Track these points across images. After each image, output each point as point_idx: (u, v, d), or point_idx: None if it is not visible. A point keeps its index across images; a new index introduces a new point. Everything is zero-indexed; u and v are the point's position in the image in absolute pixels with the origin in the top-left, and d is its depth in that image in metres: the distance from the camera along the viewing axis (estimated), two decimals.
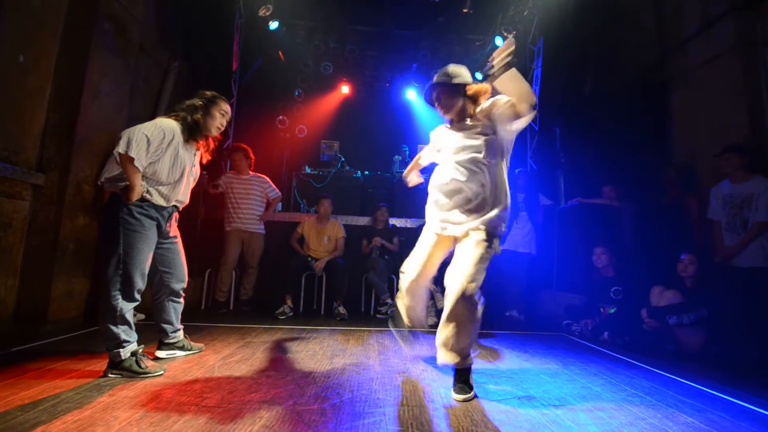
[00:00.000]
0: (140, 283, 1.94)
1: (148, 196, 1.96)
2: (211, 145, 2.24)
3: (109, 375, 1.85)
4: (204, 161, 2.28)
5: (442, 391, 1.84)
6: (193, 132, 2.09)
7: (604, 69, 4.95)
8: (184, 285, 2.27)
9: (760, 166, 3.03)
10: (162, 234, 2.09)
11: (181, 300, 2.29)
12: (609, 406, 1.76)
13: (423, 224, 4.49)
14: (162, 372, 1.93)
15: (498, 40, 5.25)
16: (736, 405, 1.87)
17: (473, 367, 1.89)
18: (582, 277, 3.89)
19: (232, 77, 4.97)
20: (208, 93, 2.16)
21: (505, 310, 4.17)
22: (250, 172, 4.06)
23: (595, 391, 1.96)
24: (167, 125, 1.99)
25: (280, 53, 5.85)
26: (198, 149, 2.20)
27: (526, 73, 5.27)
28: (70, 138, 2.92)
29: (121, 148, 1.82)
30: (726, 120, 3.43)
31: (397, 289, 4.23)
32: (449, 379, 2.02)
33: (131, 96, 3.55)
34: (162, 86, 4.15)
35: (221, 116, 2.16)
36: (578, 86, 5.19)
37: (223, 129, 2.22)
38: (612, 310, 3.31)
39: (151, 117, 2.07)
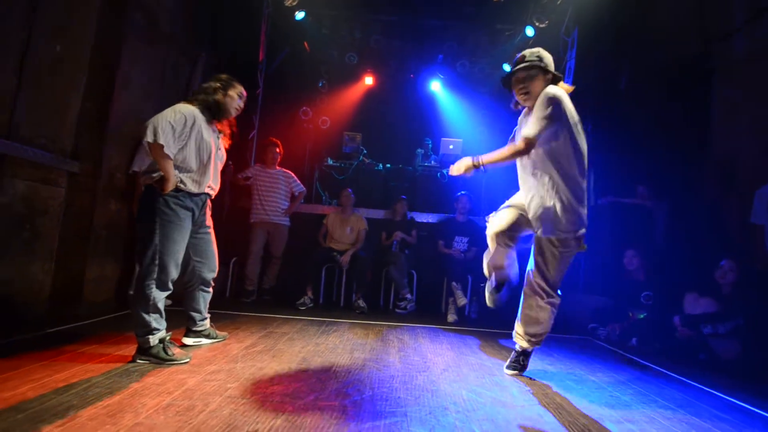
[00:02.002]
0: (174, 273, 1.98)
1: (182, 186, 1.99)
2: (228, 130, 2.27)
3: (138, 360, 1.91)
4: (226, 146, 2.30)
5: (464, 393, 1.81)
6: (214, 113, 2.12)
7: (641, 61, 4.70)
8: (215, 274, 2.31)
9: None
10: (196, 223, 2.13)
11: (210, 289, 2.33)
12: (639, 419, 1.69)
13: (446, 218, 4.40)
14: (188, 360, 1.97)
15: (529, 30, 5.06)
16: (733, 401, 1.76)
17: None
18: (610, 280, 3.75)
19: (258, 68, 4.99)
20: (223, 76, 2.19)
21: None
22: (277, 167, 4.10)
23: (624, 401, 1.88)
24: (186, 109, 2.00)
25: (306, 44, 5.82)
26: (221, 131, 2.22)
27: (558, 64, 5.07)
28: (102, 127, 2.99)
29: (149, 138, 1.84)
30: None
31: (417, 285, 4.21)
32: (470, 381, 1.99)
33: (161, 86, 3.61)
34: (190, 76, 4.20)
35: (239, 97, 2.20)
36: (613, 79, 4.95)
37: (240, 111, 2.25)
38: (641, 316, 3.18)
39: None
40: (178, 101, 2.14)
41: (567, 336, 3.33)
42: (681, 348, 2.83)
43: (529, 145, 1.87)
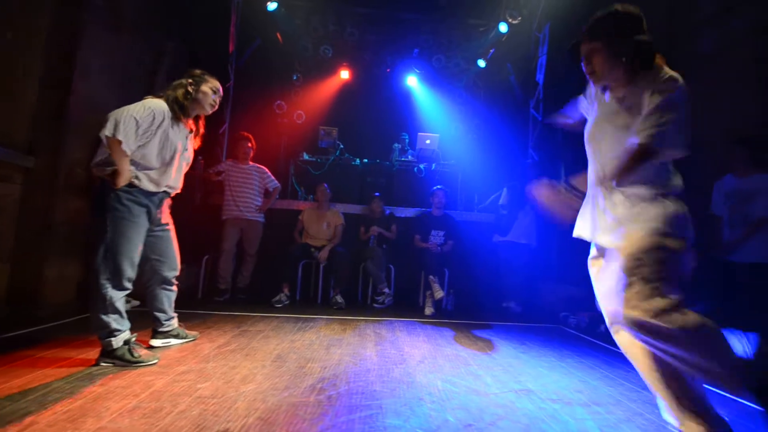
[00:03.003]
0: (129, 272, 1.89)
1: (136, 182, 1.91)
2: (201, 130, 2.21)
3: (102, 364, 1.83)
4: (195, 147, 2.23)
5: (439, 383, 1.83)
6: (185, 110, 2.05)
7: None
8: (177, 273, 2.23)
9: (766, 162, 2.98)
10: (153, 221, 2.04)
11: (174, 288, 2.25)
12: (606, 401, 1.76)
13: (421, 213, 4.43)
14: (155, 361, 1.90)
15: (502, 26, 5.12)
16: (733, 401, 1.87)
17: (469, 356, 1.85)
18: (582, 269, 3.87)
19: (228, 60, 4.85)
20: (197, 71, 2.13)
21: (502, 302, 4.17)
22: (250, 162, 4.01)
23: (592, 385, 1.95)
24: (157, 106, 1.93)
25: (278, 35, 5.69)
26: (190, 131, 2.14)
27: (530, 61, 5.17)
28: (61, 119, 2.84)
29: (107, 131, 1.76)
30: (734, 111, 3.36)
31: (395, 279, 4.20)
32: (445, 371, 2.01)
33: (124, 77, 3.45)
34: (156, 67, 4.03)
35: (213, 93, 2.13)
36: (584, 75, 5.09)
37: (216, 106, 2.17)
38: None
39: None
40: (143, 93, 2.06)
41: (540, 325, 3.42)
42: None
43: None
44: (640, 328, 1.27)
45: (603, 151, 1.44)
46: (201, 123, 2.23)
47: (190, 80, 2.07)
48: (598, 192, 1.46)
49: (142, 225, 1.94)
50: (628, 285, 1.28)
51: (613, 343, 2.83)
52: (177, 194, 2.19)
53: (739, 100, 3.34)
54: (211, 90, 2.12)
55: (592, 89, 1.56)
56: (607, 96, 1.46)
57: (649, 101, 1.31)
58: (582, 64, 1.47)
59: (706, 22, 3.69)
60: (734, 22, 3.43)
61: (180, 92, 2.03)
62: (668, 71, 1.35)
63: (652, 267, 1.27)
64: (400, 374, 1.93)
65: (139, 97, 2.00)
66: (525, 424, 1.47)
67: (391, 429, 1.36)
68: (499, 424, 1.45)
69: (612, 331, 1.45)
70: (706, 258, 3.04)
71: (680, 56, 3.98)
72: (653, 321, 1.23)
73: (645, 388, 1.95)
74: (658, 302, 1.23)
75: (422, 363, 2.14)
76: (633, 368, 2.27)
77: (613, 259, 1.38)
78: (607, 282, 1.39)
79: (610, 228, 1.39)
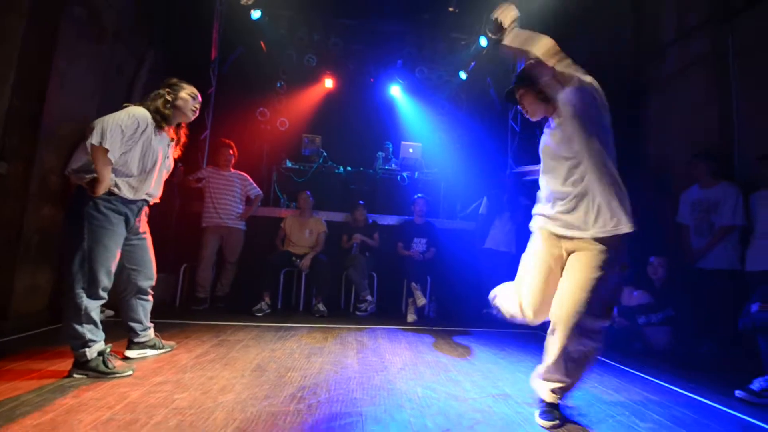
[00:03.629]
0: (106, 281, 1.86)
1: (115, 190, 1.88)
2: (183, 139, 2.21)
3: (75, 375, 1.78)
4: (176, 156, 2.22)
5: (419, 390, 1.85)
6: (167, 120, 2.05)
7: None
8: (152, 282, 2.19)
9: (727, 173, 3.16)
10: (130, 229, 2.01)
11: (150, 298, 2.21)
12: (580, 404, 1.81)
13: (404, 221, 4.48)
14: (131, 372, 1.86)
15: (482, 40, 5.28)
16: (698, 402, 1.96)
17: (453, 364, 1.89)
18: None
19: (210, 67, 4.82)
20: (173, 80, 2.13)
21: (483, 308, 4.23)
22: (231, 169, 3.98)
23: None
24: (140, 114, 1.92)
25: (262, 44, 5.71)
26: (172, 139, 2.14)
27: (509, 74, 5.33)
28: (35, 127, 2.77)
29: (94, 139, 1.73)
30: (697, 128, 3.55)
31: (378, 287, 4.22)
32: (426, 378, 2.03)
33: (103, 85, 3.39)
34: (136, 75, 3.98)
35: (193, 99, 2.13)
36: None
37: (198, 112, 2.17)
38: None
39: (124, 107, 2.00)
40: (122, 100, 2.04)
41: (518, 331, 3.48)
42: (619, 338, 3.06)
43: None
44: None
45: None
46: (182, 132, 2.23)
47: (167, 89, 2.07)
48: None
49: (119, 233, 1.91)
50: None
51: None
52: (155, 202, 2.17)
53: (700, 116, 3.53)
54: (189, 96, 2.12)
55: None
56: (551, 125, 1.75)
57: None
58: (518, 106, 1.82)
59: (669, 45, 3.91)
60: (693, 46, 3.65)
61: (160, 102, 2.03)
62: None
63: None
64: (380, 381, 1.95)
65: (118, 104, 1.98)
66: (501, 427, 1.51)
67: None
68: (477, 428, 1.48)
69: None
70: (676, 265, 3.18)
71: (647, 76, 4.19)
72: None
73: (617, 390, 2.03)
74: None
75: (403, 370, 2.16)
76: (605, 371, 2.36)
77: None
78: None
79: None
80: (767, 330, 2.13)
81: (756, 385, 2.03)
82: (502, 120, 5.53)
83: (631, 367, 2.51)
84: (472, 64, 5.97)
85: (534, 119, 1.82)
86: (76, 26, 3.02)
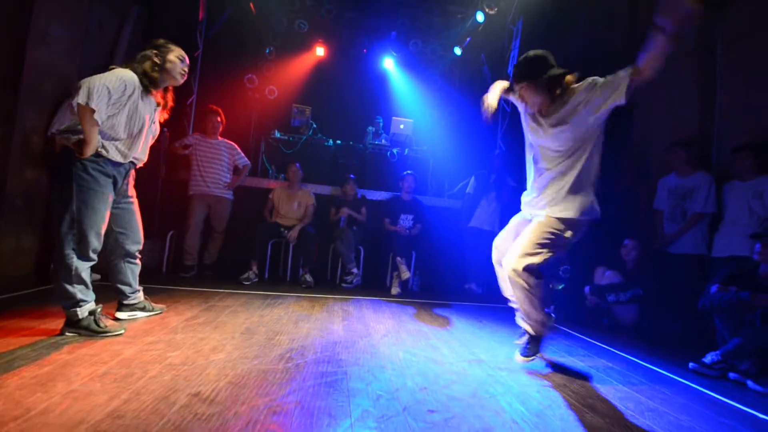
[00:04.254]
0: (95, 243, 1.88)
1: (104, 152, 1.88)
2: (170, 103, 2.18)
3: (66, 333, 1.83)
4: (162, 120, 2.20)
5: (401, 354, 1.97)
6: (155, 83, 2.02)
7: (575, 58, 5.06)
8: (140, 246, 2.22)
9: (705, 163, 3.29)
10: (118, 192, 2.02)
11: (138, 261, 2.25)
12: (547, 370, 1.97)
13: (392, 196, 4.53)
14: (122, 331, 1.92)
15: (479, 16, 5.20)
16: (655, 372, 2.14)
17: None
18: None
19: (197, 28, 4.64)
20: (159, 40, 2.08)
21: (465, 283, 4.39)
22: (219, 137, 3.93)
23: (535, 357, 2.16)
24: (128, 76, 1.89)
25: (252, 5, 5.49)
26: (158, 104, 2.11)
27: (503, 53, 5.30)
28: (15, 85, 2.67)
29: (81, 99, 1.71)
30: (680, 118, 3.66)
31: (364, 260, 4.31)
32: (407, 344, 2.16)
33: (84, 42, 3.25)
34: (119, 33, 3.81)
35: (181, 61, 2.10)
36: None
37: (186, 75, 2.15)
38: (560, 287, 3.58)
39: (107, 66, 1.94)
40: (105, 58, 1.99)
41: (496, 305, 3.66)
42: (589, 314, 3.26)
43: None
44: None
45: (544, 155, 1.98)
46: (169, 96, 2.19)
47: (154, 51, 2.02)
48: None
49: (108, 195, 1.92)
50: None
51: (559, 323, 3.10)
52: (141, 168, 2.17)
53: (683, 106, 3.63)
54: (178, 59, 2.08)
55: (523, 109, 2.06)
56: (538, 116, 1.95)
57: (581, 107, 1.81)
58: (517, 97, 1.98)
59: None
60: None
61: (147, 65, 1.98)
62: (575, 86, 1.85)
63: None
64: (364, 346, 2.06)
65: (99, 63, 1.94)
66: (474, 387, 1.64)
67: (354, 391, 1.49)
68: (452, 387, 1.61)
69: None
70: (649, 247, 3.36)
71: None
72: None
73: (582, 359, 2.20)
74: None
75: (386, 337, 2.28)
76: (574, 343, 2.54)
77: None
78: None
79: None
80: (723, 310, 2.31)
81: (708, 358, 2.22)
82: None
83: (598, 340, 2.70)
84: (468, 39, 5.89)
85: (533, 110, 1.96)
86: None
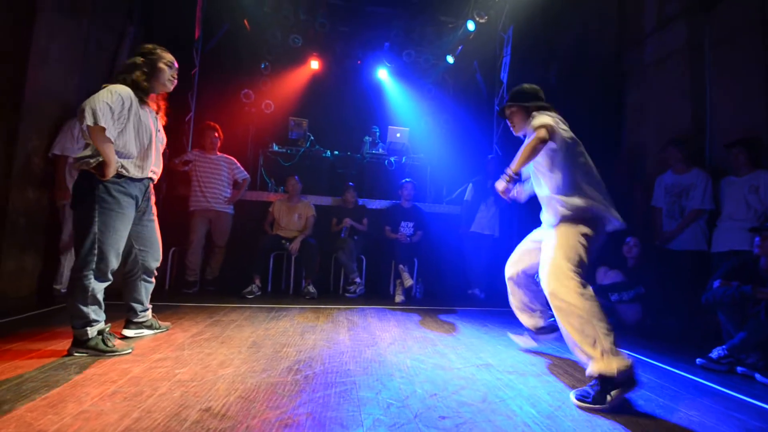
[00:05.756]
0: (114, 263, 1.90)
1: (124, 172, 1.90)
2: (162, 106, 2.18)
3: (74, 354, 1.82)
4: (162, 124, 2.21)
5: (408, 362, 1.97)
6: (146, 92, 2.01)
7: (567, 61, 5.15)
8: (159, 263, 2.24)
9: (699, 160, 3.34)
10: (140, 210, 2.05)
11: (153, 279, 2.26)
12: (556, 371, 1.97)
13: (391, 205, 4.55)
14: (130, 350, 1.92)
15: (470, 24, 5.29)
16: (662, 369, 2.14)
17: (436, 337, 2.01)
18: None
19: (193, 45, 4.71)
20: (147, 46, 2.05)
21: (468, 289, 4.39)
22: (217, 152, 3.96)
23: (544, 360, 2.17)
24: (123, 90, 1.89)
25: (246, 22, 5.57)
26: (156, 111, 2.13)
27: (495, 60, 5.38)
28: (17, 106, 2.71)
29: (88, 120, 1.72)
30: (672, 116, 3.71)
31: (366, 269, 4.32)
32: (414, 351, 2.16)
33: (83, 62, 3.31)
34: (116, 52, 3.87)
35: (169, 67, 2.08)
36: (544, 76, 5.37)
37: (176, 81, 2.14)
38: None
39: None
40: (103, 78, 2.02)
41: (501, 309, 3.66)
42: None
43: None
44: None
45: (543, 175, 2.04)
46: (160, 98, 2.17)
47: (142, 59, 2.00)
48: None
49: (129, 216, 1.95)
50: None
51: None
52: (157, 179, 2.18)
53: (676, 104, 3.69)
54: (166, 65, 2.06)
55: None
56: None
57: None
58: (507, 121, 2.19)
59: (650, 34, 4.03)
60: (671, 36, 3.78)
61: (137, 74, 1.96)
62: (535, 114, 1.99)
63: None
64: (372, 355, 2.06)
65: (98, 82, 1.96)
66: (484, 392, 1.65)
67: (365, 400, 1.49)
68: (462, 393, 1.61)
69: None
70: (649, 244, 3.38)
71: (628, 64, 4.32)
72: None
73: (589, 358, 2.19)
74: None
75: (392, 345, 2.28)
76: None
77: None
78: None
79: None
80: (726, 304, 2.33)
81: (715, 353, 2.23)
82: (488, 106, 5.61)
83: None
84: (460, 47, 5.99)
85: (516, 134, 2.17)
86: (55, 2, 2.92)
